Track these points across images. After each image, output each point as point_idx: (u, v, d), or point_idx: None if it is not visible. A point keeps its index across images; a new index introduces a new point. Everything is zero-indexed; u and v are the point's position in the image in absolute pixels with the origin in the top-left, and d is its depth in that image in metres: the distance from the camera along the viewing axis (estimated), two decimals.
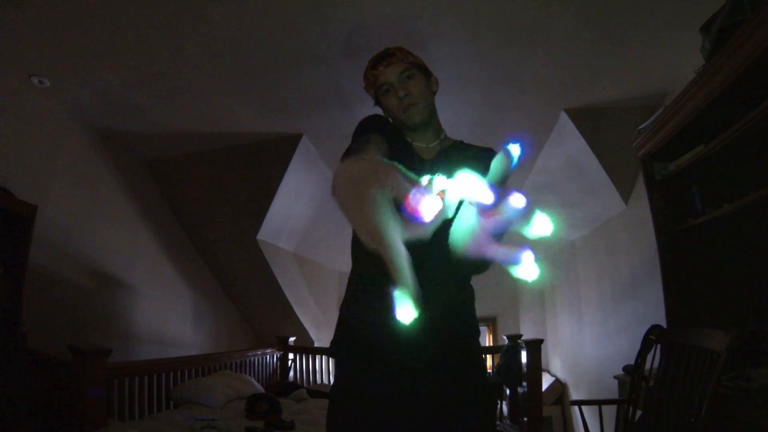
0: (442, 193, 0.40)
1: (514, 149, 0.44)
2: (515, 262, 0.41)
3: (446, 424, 0.94)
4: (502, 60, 2.43)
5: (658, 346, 2.03)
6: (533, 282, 0.42)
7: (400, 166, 0.42)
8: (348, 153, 0.88)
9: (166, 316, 3.68)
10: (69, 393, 2.06)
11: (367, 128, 1.01)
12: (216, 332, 4.20)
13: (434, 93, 1.09)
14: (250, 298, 4.40)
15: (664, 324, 2.11)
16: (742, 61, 1.50)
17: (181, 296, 3.88)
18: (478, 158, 1.04)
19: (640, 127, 2.25)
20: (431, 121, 1.06)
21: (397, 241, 0.42)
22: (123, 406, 2.42)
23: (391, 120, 1.09)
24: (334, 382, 1.03)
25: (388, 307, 0.95)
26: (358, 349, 0.97)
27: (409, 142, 1.06)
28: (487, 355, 3.97)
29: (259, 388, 3.36)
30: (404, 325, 0.43)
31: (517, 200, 0.41)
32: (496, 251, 0.45)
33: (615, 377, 2.67)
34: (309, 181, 3.80)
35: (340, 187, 0.45)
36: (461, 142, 1.11)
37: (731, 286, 1.98)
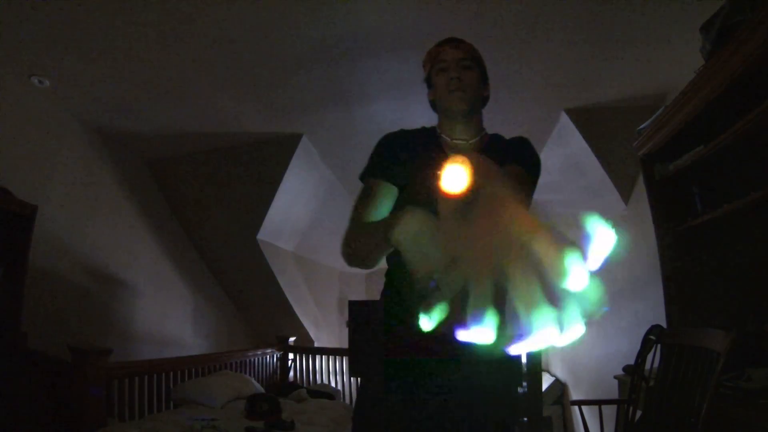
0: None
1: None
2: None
3: None
4: (501, 60, 2.43)
5: (658, 346, 2.03)
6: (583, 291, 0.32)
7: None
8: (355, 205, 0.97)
9: (166, 316, 3.68)
10: (69, 393, 2.06)
11: (378, 153, 1.04)
12: (216, 332, 4.20)
13: (483, 97, 1.09)
14: (250, 298, 4.39)
15: (664, 324, 2.11)
16: (742, 61, 1.50)
17: (181, 296, 3.88)
18: (510, 150, 1.05)
19: (640, 127, 2.25)
20: (471, 116, 1.05)
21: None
22: (123, 406, 2.42)
23: (432, 106, 1.10)
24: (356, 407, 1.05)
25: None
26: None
27: (444, 140, 1.06)
28: None
29: (259, 388, 3.36)
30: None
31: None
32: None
33: (615, 377, 2.66)
34: (309, 181, 3.79)
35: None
36: (497, 135, 1.10)
37: (731, 286, 1.98)
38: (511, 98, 2.81)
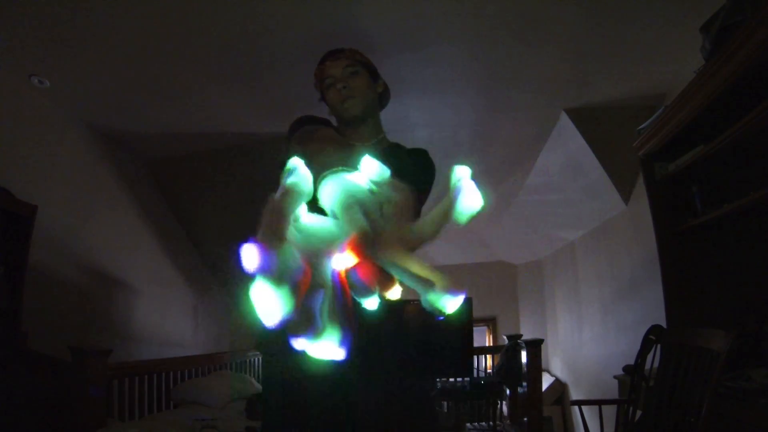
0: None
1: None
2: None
3: None
4: (501, 60, 2.43)
5: (658, 346, 2.03)
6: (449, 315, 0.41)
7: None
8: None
9: (166, 316, 3.68)
10: (69, 393, 2.06)
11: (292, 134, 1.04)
12: (216, 332, 4.20)
13: (379, 94, 1.12)
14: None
15: (664, 324, 2.11)
16: (742, 61, 1.50)
17: (181, 296, 3.88)
18: (406, 164, 1.06)
19: (640, 127, 2.25)
20: (367, 119, 1.08)
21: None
22: (123, 406, 2.42)
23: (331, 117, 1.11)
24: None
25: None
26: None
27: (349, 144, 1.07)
28: (488, 355, 3.98)
29: (259, 388, 3.36)
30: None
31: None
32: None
33: (615, 377, 2.67)
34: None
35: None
36: (397, 145, 1.13)
37: (731, 286, 1.98)
38: (511, 98, 2.81)
